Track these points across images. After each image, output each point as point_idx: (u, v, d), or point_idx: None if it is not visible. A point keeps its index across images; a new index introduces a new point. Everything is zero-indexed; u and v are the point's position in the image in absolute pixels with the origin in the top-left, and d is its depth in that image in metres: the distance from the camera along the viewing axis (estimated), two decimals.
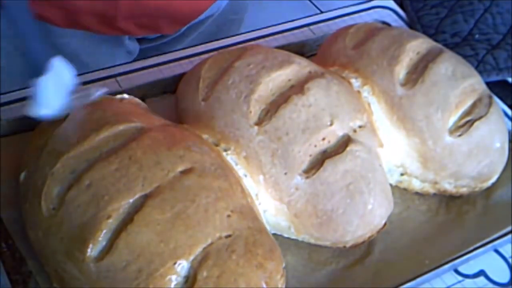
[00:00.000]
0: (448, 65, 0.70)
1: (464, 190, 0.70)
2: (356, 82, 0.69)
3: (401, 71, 0.69)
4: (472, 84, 0.70)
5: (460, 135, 0.67)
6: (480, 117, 0.68)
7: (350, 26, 0.75)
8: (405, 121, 0.67)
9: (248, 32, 0.85)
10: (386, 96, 0.68)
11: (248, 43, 0.81)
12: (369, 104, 0.68)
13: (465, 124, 0.68)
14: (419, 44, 0.71)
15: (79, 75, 0.75)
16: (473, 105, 0.69)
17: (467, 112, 0.69)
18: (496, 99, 0.74)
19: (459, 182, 0.69)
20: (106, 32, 0.86)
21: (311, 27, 0.87)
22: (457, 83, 0.69)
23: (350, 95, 0.67)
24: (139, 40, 0.95)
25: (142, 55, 0.95)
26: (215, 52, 0.72)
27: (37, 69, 0.82)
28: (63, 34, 0.86)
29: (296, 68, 0.66)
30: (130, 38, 0.93)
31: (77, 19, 0.83)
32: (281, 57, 0.67)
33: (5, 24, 0.83)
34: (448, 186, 0.69)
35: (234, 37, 0.83)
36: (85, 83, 0.75)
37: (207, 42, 0.83)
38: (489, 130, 0.69)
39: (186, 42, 0.97)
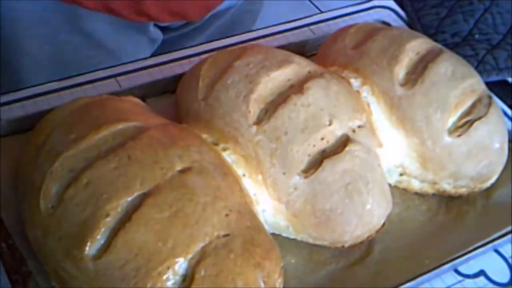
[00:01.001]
0: (448, 65, 0.70)
1: (463, 190, 0.69)
2: (355, 82, 0.69)
3: (400, 71, 0.69)
4: (471, 85, 0.70)
5: (459, 136, 0.67)
6: (480, 118, 0.68)
7: (350, 26, 0.75)
8: (405, 121, 0.67)
9: (248, 32, 0.85)
10: (386, 96, 0.68)
11: (248, 43, 0.81)
12: (368, 104, 0.68)
13: (464, 125, 0.68)
14: (418, 44, 0.71)
15: (79, 75, 0.76)
16: (473, 106, 0.69)
17: (467, 113, 0.69)
18: (496, 99, 0.74)
19: (458, 183, 0.69)
20: (133, 17, 0.87)
21: (311, 27, 0.87)
22: (456, 84, 0.69)
23: (349, 95, 0.67)
24: (162, 30, 0.95)
25: (163, 47, 0.95)
26: (215, 52, 0.72)
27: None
28: (90, 19, 0.86)
29: (296, 68, 0.66)
30: (155, 26, 0.93)
31: (107, 2, 0.83)
32: (281, 57, 0.67)
33: (33, 11, 0.84)
34: (447, 186, 0.69)
35: (234, 37, 0.83)
36: (85, 83, 0.75)
37: (207, 42, 0.83)
38: (489, 131, 0.69)
39: (206, 34, 0.98)
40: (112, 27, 0.88)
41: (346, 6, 0.91)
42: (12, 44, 0.87)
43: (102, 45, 0.89)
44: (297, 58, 0.68)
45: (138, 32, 0.91)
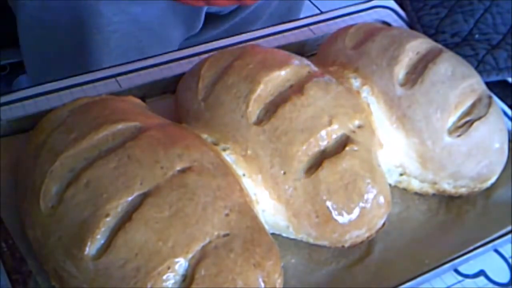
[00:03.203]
0: (448, 65, 0.70)
1: (463, 190, 0.69)
2: (355, 82, 0.69)
3: (400, 71, 0.69)
4: (471, 85, 0.70)
5: (459, 136, 0.67)
6: (480, 118, 0.68)
7: (350, 26, 0.75)
8: (404, 121, 0.67)
9: (248, 32, 0.85)
10: (386, 96, 0.68)
11: (248, 43, 0.81)
12: (368, 104, 0.68)
13: (464, 125, 0.68)
14: (418, 44, 0.71)
15: (79, 74, 0.76)
16: (473, 106, 0.69)
17: (467, 113, 0.69)
18: (496, 99, 0.74)
19: (458, 183, 0.69)
20: (191, 1, 0.87)
21: (311, 27, 0.87)
22: (456, 83, 0.69)
23: (349, 95, 0.67)
24: (212, 22, 0.96)
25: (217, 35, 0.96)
26: (215, 52, 0.72)
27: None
28: (143, 3, 0.86)
29: (295, 68, 0.66)
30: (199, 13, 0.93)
31: None
32: (281, 57, 0.67)
33: None
34: (447, 186, 0.69)
35: (234, 37, 0.83)
36: (85, 83, 0.75)
37: (207, 42, 0.83)
38: (489, 131, 0.69)
39: (259, 23, 0.99)
40: (161, 11, 0.88)
41: (346, 6, 0.91)
42: (75, 31, 0.88)
43: (150, 31, 0.89)
44: (297, 58, 0.68)
45: (187, 18, 0.91)
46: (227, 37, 0.84)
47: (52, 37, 0.90)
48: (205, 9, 0.94)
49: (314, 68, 0.68)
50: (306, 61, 0.69)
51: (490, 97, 0.71)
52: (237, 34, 0.84)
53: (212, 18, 0.98)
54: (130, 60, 0.78)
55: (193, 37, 0.98)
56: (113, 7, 0.86)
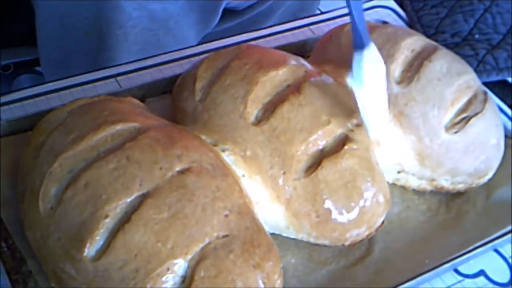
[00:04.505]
0: (443, 62, 0.70)
1: (461, 186, 0.70)
2: None
3: (396, 69, 0.69)
4: (467, 81, 0.70)
5: (456, 132, 0.67)
6: (476, 114, 0.68)
7: (344, 25, 0.75)
8: (402, 119, 0.67)
9: (248, 32, 0.85)
10: None
11: (247, 43, 0.81)
12: None
13: (461, 121, 0.68)
14: (413, 42, 0.72)
15: (79, 74, 0.76)
16: (469, 102, 0.69)
17: (463, 109, 0.69)
18: (491, 95, 0.74)
19: (456, 179, 0.69)
20: None
21: (311, 27, 0.87)
22: (452, 80, 0.69)
23: (346, 94, 0.67)
24: (228, 16, 0.96)
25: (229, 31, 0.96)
26: (211, 53, 0.72)
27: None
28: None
29: (292, 67, 0.66)
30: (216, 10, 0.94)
31: None
32: (277, 57, 0.67)
33: None
34: (445, 183, 0.69)
35: (233, 37, 0.83)
36: (85, 83, 0.75)
37: (206, 42, 0.83)
38: (485, 127, 0.69)
39: (274, 18, 0.99)
40: (180, 9, 0.88)
41: (346, 6, 0.90)
42: (94, 26, 0.88)
43: (167, 27, 0.90)
44: (293, 58, 0.68)
45: (205, 15, 0.91)
46: (227, 37, 0.83)
47: (71, 32, 0.90)
48: (223, 4, 0.94)
49: (310, 67, 0.68)
50: (302, 61, 0.69)
51: (485, 93, 0.71)
52: (237, 34, 0.84)
53: (228, 13, 0.98)
54: (147, 55, 0.78)
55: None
56: (134, 2, 0.86)
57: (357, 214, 0.62)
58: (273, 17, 1.03)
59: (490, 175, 0.70)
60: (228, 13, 0.98)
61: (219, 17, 0.96)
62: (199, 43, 0.83)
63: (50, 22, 0.91)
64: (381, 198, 0.63)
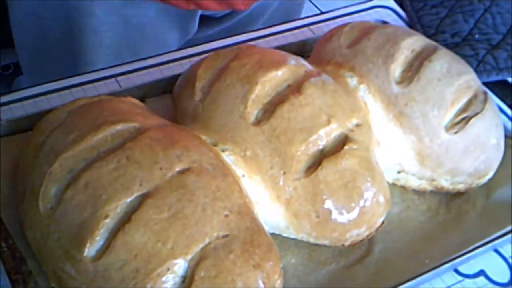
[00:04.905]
0: (443, 62, 0.70)
1: (461, 186, 0.70)
2: (352, 81, 0.69)
3: (396, 69, 0.69)
4: (467, 81, 0.70)
5: (456, 132, 0.68)
6: (476, 114, 0.68)
7: (344, 25, 0.75)
8: (402, 119, 0.67)
9: (248, 32, 0.85)
10: (382, 94, 0.68)
11: (247, 43, 0.81)
12: (365, 103, 0.68)
13: (461, 121, 0.68)
14: (413, 42, 0.72)
15: (79, 74, 0.76)
16: (469, 102, 0.69)
17: (463, 109, 0.69)
18: (491, 95, 0.74)
19: (456, 179, 0.69)
20: (182, 5, 0.87)
21: (311, 27, 0.87)
22: (452, 80, 0.69)
23: (346, 94, 0.67)
24: (207, 23, 0.96)
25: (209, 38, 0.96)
26: (211, 53, 0.72)
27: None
28: (137, 5, 0.86)
29: (292, 68, 0.66)
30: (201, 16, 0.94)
31: None
32: (277, 57, 0.67)
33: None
34: (445, 183, 0.69)
35: (234, 37, 0.83)
36: (85, 83, 0.75)
37: (206, 42, 0.83)
38: (485, 127, 0.69)
39: (257, 25, 0.99)
40: (158, 14, 0.88)
41: (346, 6, 0.91)
42: (69, 30, 0.88)
43: (144, 33, 0.90)
44: (293, 58, 0.68)
45: (182, 21, 0.92)
46: (227, 37, 0.84)
47: (46, 36, 0.90)
48: (199, 12, 0.94)
49: (310, 67, 0.68)
50: (302, 61, 0.69)
51: (485, 93, 0.71)
52: (237, 34, 0.84)
53: (207, 20, 0.98)
54: (124, 60, 0.78)
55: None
56: (106, 7, 0.86)
57: (357, 214, 0.62)
58: (255, 25, 1.02)
59: (490, 175, 0.70)
60: (208, 20, 0.98)
61: (197, 24, 0.96)
62: (182, 48, 0.83)
63: (25, 26, 0.91)
64: (381, 198, 0.63)
